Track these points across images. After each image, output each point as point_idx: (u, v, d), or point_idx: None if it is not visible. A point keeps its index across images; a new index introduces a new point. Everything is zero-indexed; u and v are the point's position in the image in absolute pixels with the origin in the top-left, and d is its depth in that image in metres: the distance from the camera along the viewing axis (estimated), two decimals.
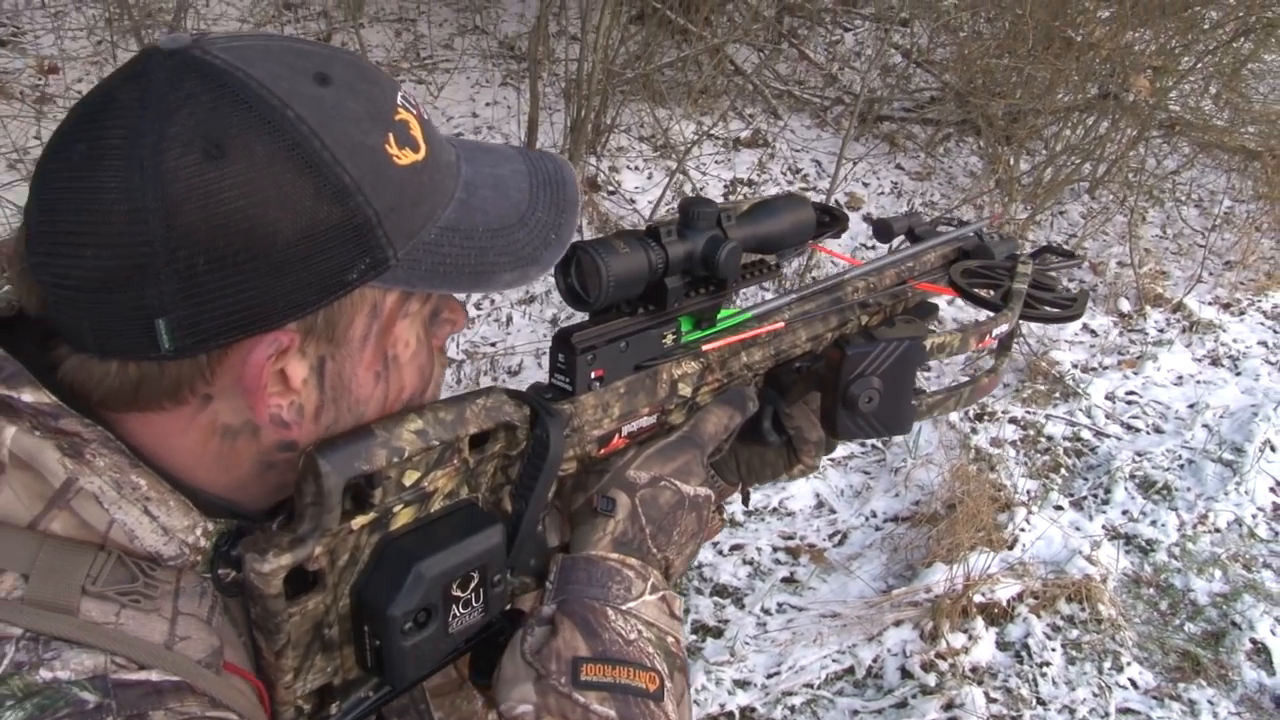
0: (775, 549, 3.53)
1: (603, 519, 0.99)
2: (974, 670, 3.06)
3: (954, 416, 4.10)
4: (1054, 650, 3.14)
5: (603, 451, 1.03)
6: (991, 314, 1.25)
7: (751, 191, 5.55)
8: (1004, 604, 3.22)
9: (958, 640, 3.10)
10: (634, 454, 1.04)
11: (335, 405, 0.81)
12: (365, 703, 0.90)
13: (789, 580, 3.40)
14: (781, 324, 1.18)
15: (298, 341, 0.75)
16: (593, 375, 1.00)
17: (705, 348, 1.10)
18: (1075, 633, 3.21)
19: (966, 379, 1.22)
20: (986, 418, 4.15)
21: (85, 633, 0.70)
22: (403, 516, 0.85)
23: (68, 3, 5.56)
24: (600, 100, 5.36)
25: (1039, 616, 3.23)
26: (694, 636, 3.15)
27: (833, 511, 3.71)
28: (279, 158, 0.70)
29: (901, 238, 1.42)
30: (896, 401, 1.12)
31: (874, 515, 3.68)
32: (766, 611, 3.27)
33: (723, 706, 2.91)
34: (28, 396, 0.72)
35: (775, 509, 3.70)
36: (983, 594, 3.20)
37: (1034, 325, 4.66)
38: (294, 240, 0.71)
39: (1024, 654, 3.12)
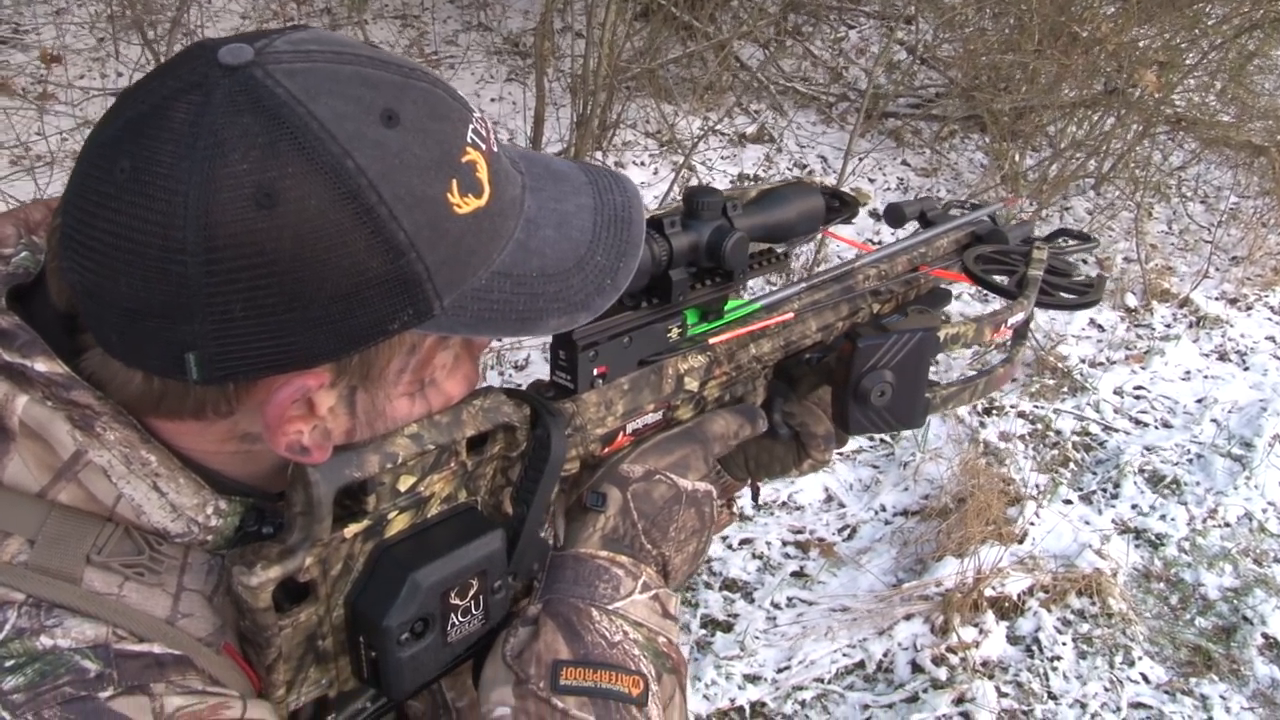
0: (784, 543, 3.52)
1: (593, 515, 0.95)
2: (985, 664, 3.05)
3: (962, 410, 4.08)
4: (1065, 644, 3.13)
5: (606, 450, 0.99)
6: (1006, 302, 1.22)
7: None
8: (1014, 598, 3.21)
9: (968, 634, 3.09)
10: (629, 448, 1.01)
11: (371, 427, 0.78)
12: (363, 714, 0.88)
13: (798, 574, 3.39)
14: (791, 314, 1.14)
15: (328, 380, 0.73)
16: (595, 372, 0.97)
17: (712, 341, 1.07)
18: (1086, 627, 3.20)
19: (981, 370, 1.20)
20: (995, 412, 4.14)
21: (87, 602, 0.70)
22: (398, 523, 0.82)
23: None
24: (606, 96, 5.34)
25: (1049, 610, 3.22)
26: (703, 631, 3.14)
27: (842, 505, 3.70)
28: (332, 211, 0.66)
29: (914, 223, 1.39)
30: (910, 395, 1.09)
31: (883, 509, 3.67)
32: (776, 606, 3.26)
33: (733, 701, 2.90)
34: (41, 366, 0.70)
35: (784, 503, 3.68)
36: (993, 588, 3.19)
37: (1042, 320, 4.66)
38: (337, 295, 0.68)
39: (1035, 648, 3.11)
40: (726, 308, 1.09)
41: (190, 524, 0.74)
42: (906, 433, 3.95)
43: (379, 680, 0.82)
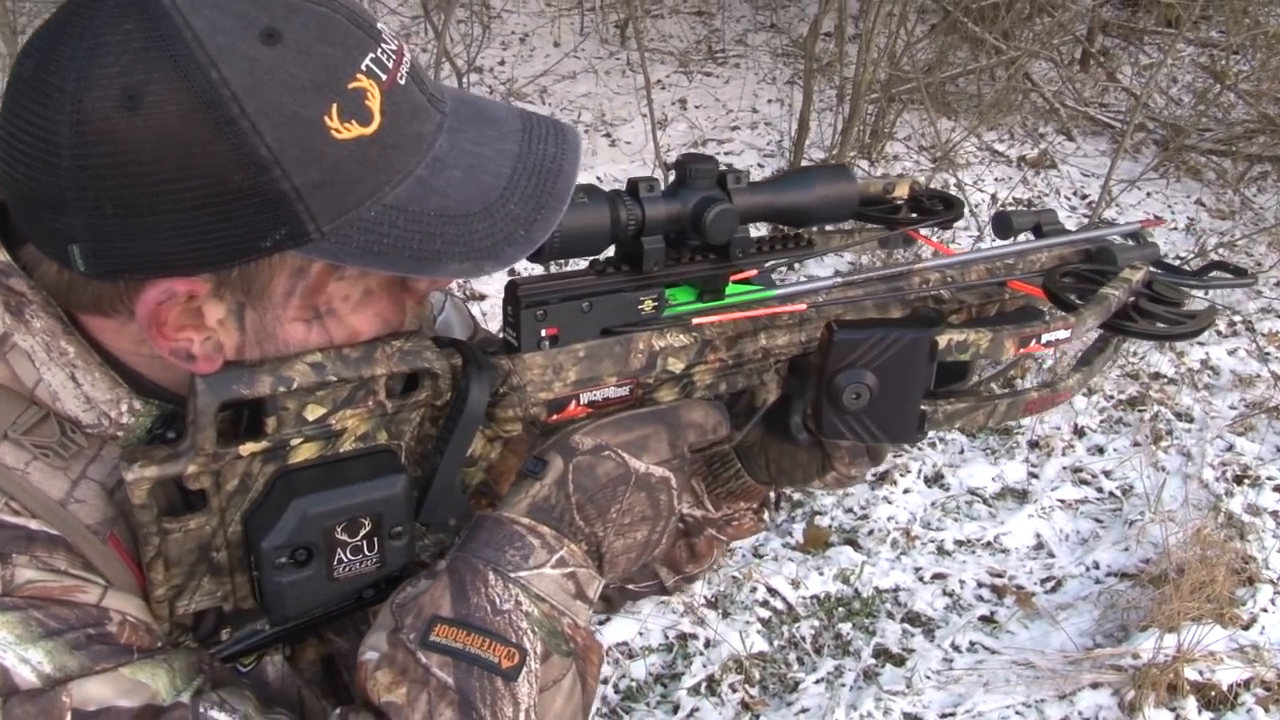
0: (980, 584, 3.32)
1: (529, 481, 0.92)
2: None
3: (1208, 474, 3.71)
4: None
5: (554, 417, 0.95)
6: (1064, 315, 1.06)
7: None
8: (1224, 688, 2.88)
9: (1161, 717, 2.80)
10: (587, 419, 0.96)
11: (260, 347, 0.80)
12: (259, 634, 0.89)
13: (987, 619, 3.18)
14: (804, 307, 1.04)
15: (207, 290, 0.75)
16: (544, 333, 0.93)
17: (696, 321, 1.00)
18: None
19: (1007, 390, 1.04)
20: (1247, 480, 3.73)
21: None
22: (303, 451, 0.83)
23: None
24: (878, 106, 5.21)
25: (1267, 711, 2.87)
26: (874, 660, 3.02)
27: (1051, 555, 3.45)
28: (192, 119, 0.69)
29: (1027, 235, 1.24)
30: (896, 404, 0.97)
31: (1096, 566, 3.39)
32: (956, 648, 3.08)
33: None
34: None
35: (989, 543, 3.47)
36: (1200, 672, 2.87)
37: None
38: (199, 202, 0.70)
39: None
40: (729, 290, 1.02)
41: (102, 417, 0.78)
42: (1139, 489, 3.63)
43: (263, 601, 0.84)
